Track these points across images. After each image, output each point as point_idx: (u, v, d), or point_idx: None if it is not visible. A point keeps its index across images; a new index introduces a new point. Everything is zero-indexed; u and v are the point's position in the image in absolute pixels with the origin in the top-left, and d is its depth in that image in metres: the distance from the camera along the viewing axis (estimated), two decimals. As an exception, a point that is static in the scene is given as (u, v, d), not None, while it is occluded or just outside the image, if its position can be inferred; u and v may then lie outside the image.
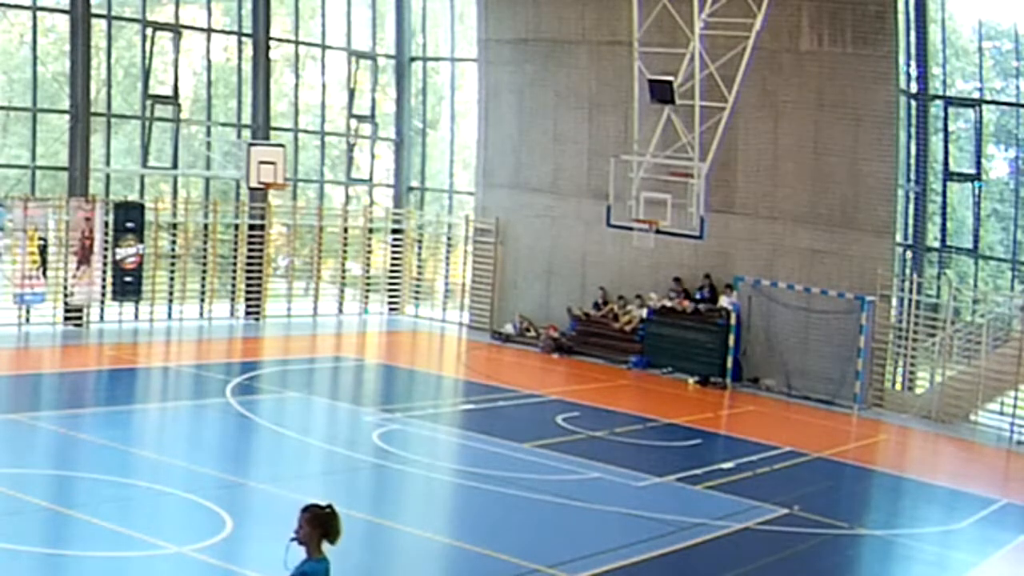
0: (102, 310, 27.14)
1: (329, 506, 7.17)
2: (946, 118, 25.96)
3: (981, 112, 25.71)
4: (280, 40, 30.86)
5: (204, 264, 28.79)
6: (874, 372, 24.94)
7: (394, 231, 32.68)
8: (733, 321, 25.89)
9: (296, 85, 31.50)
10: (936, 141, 26.13)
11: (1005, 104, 26.19)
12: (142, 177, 28.43)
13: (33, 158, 26.48)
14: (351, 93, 32.10)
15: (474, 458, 18.00)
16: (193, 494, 14.57)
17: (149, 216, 27.29)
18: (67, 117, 26.43)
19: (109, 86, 27.57)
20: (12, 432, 17.00)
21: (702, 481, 17.49)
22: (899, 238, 25.65)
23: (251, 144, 27.20)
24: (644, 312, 27.59)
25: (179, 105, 28.37)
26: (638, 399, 24.27)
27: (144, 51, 27.55)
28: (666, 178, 24.12)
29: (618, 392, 24.90)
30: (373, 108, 32.70)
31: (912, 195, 26.11)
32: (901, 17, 24.99)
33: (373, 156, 33.37)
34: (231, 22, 30.21)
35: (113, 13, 27.53)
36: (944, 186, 26.20)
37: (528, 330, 29.71)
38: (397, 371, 26.01)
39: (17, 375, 21.82)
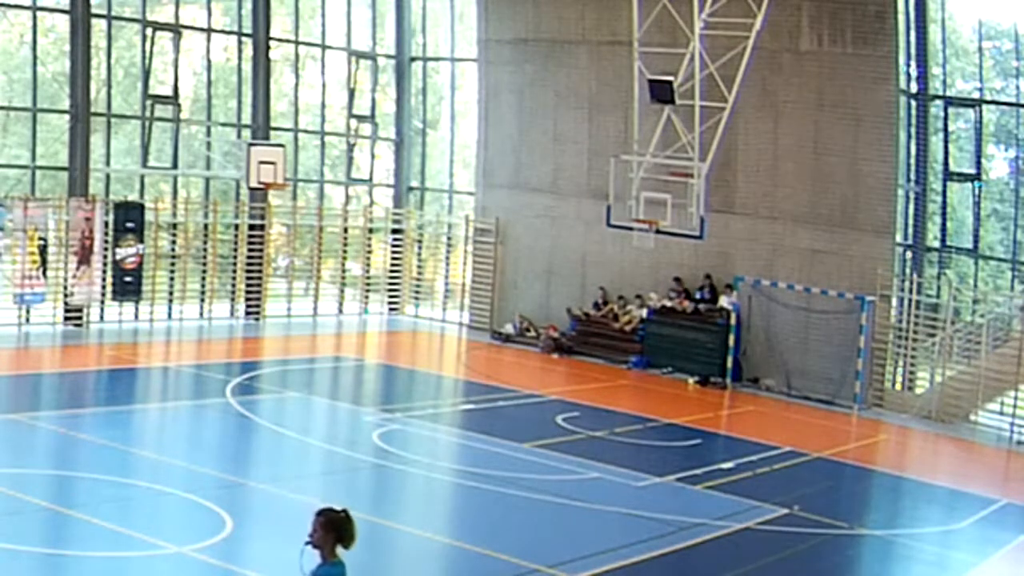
0: (102, 310, 27.15)
1: (344, 510, 7.19)
2: (946, 118, 25.96)
3: (981, 112, 25.71)
4: (280, 40, 30.86)
5: (204, 264, 28.79)
6: (874, 372, 24.94)
7: (394, 231, 32.68)
8: (733, 321, 25.89)
9: (296, 85, 31.50)
10: (936, 141, 26.13)
11: (1005, 104, 26.19)
12: (142, 177, 28.44)
13: (33, 158, 26.48)
14: (351, 93, 32.10)
15: (474, 458, 18.00)
16: (193, 494, 14.57)
17: (149, 216, 27.29)
18: (67, 117, 26.43)
19: (109, 86, 27.57)
20: (12, 432, 17.00)
21: (702, 481, 17.49)
22: (899, 238, 25.64)
23: (251, 144, 27.20)
24: (644, 312, 27.60)
25: (179, 105, 28.37)
26: (638, 399, 24.27)
27: (144, 51, 27.55)
28: (666, 178, 24.12)
29: (618, 392, 24.90)
30: (373, 108, 32.70)
31: (912, 195, 26.11)
32: (901, 17, 24.98)
33: (373, 156, 33.37)
34: (231, 22, 30.22)
35: (113, 13, 27.53)
36: (944, 186, 26.21)
37: (528, 330, 29.71)
38: (397, 371, 26.01)
39: (17, 375, 21.82)
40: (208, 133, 29.55)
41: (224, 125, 29.99)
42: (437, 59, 33.51)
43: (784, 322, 25.81)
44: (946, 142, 26.03)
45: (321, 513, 7.18)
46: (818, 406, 24.68)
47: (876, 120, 24.84)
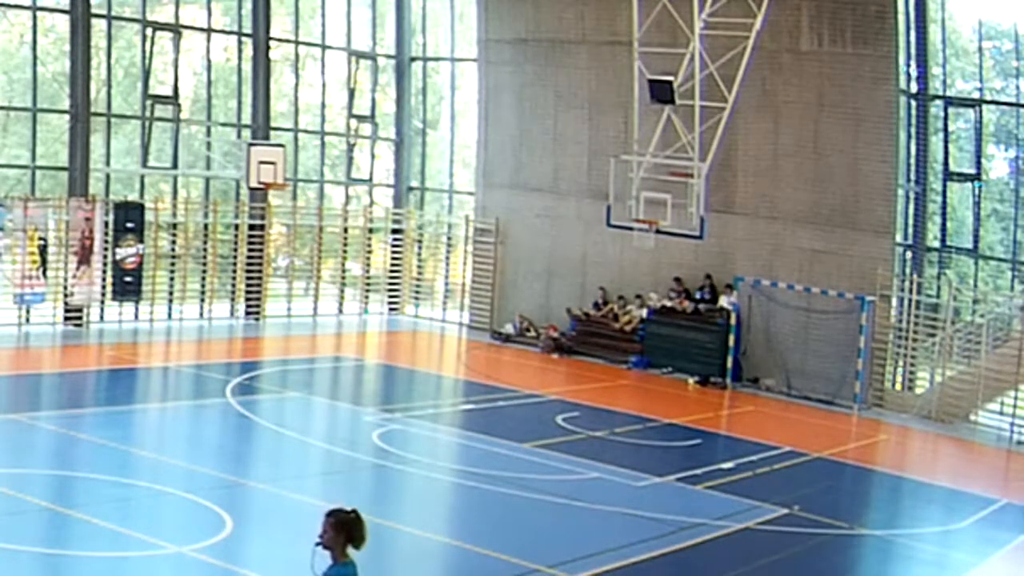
0: (102, 310, 27.15)
1: (354, 511, 7.20)
2: (946, 118, 25.97)
3: (981, 112, 25.71)
4: (280, 40, 30.86)
5: (204, 264, 28.79)
6: (874, 372, 24.94)
7: (394, 231, 32.68)
8: (733, 321, 25.89)
9: (296, 85, 31.50)
10: (936, 141, 26.13)
11: (1005, 104, 26.19)
12: (142, 177, 28.44)
13: (33, 158, 26.48)
14: (351, 93, 32.10)
15: (474, 458, 18.00)
16: (193, 494, 14.57)
17: (149, 216, 27.29)
18: (67, 117, 26.43)
19: (109, 86, 27.57)
20: (12, 432, 16.99)
21: (702, 481, 17.49)
22: (899, 238, 25.65)
23: (251, 144, 27.19)
24: (644, 312, 27.60)
25: (179, 105, 28.37)
26: (638, 399, 24.27)
27: (144, 51, 27.55)
28: (666, 178, 24.13)
29: (618, 392, 24.90)
30: (373, 108, 32.70)
31: (912, 195, 26.12)
32: (901, 17, 24.99)
33: (373, 156, 33.37)
34: (231, 22, 30.22)
35: (113, 13, 27.54)
36: (944, 186, 26.21)
37: (528, 330, 29.71)
38: (397, 371, 26.01)
39: (17, 375, 21.81)
40: (208, 133, 29.55)
41: (224, 125, 29.99)
42: (437, 59, 33.51)
43: (784, 322, 25.81)
44: (946, 142, 26.04)
45: (331, 514, 7.19)
46: (818, 406, 24.68)
47: (876, 120, 24.84)
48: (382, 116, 33.13)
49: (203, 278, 28.94)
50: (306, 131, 31.89)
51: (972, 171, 25.82)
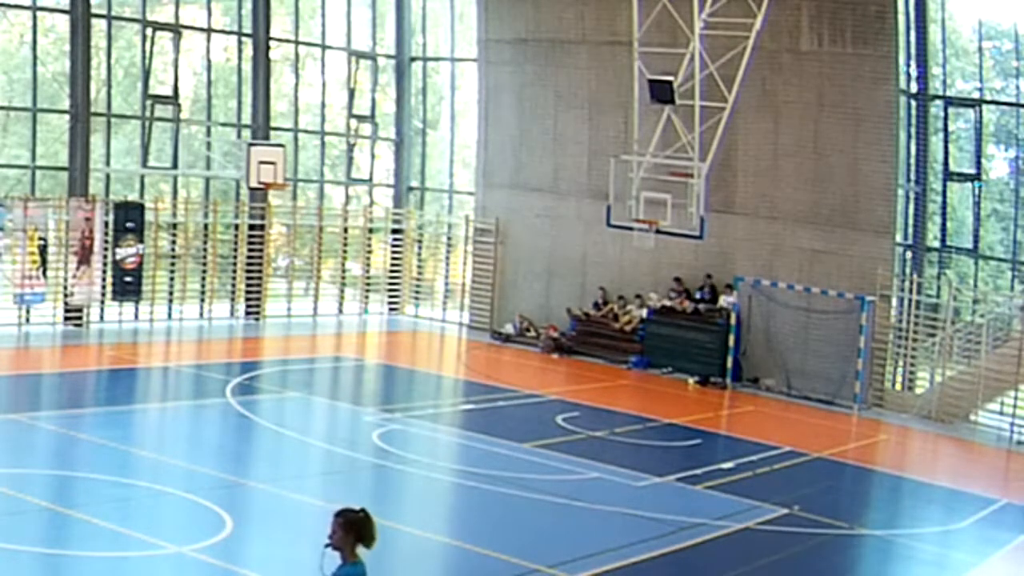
0: (102, 310, 27.15)
1: (363, 510, 7.19)
2: (946, 118, 25.97)
3: (981, 112, 25.71)
4: (280, 40, 30.86)
5: (204, 264, 28.79)
6: (874, 372, 24.94)
7: (394, 231, 32.68)
8: (733, 321, 25.89)
9: (296, 85, 31.50)
10: (936, 141, 26.13)
11: (1005, 104, 26.19)
12: (142, 177, 28.44)
13: (33, 158, 26.48)
14: (351, 93, 32.10)
15: (474, 458, 18.00)
16: (193, 494, 14.57)
17: (149, 216, 27.29)
18: (67, 117, 26.43)
19: (109, 86, 27.57)
20: (12, 432, 16.99)
21: (702, 481, 17.49)
22: (899, 238, 25.65)
23: (251, 144, 27.19)
24: (644, 312, 27.60)
25: (179, 105, 28.37)
26: (638, 399, 24.27)
27: (144, 51, 27.55)
28: (666, 178, 24.13)
29: (618, 392, 24.90)
30: (373, 108, 32.70)
31: (912, 195, 26.12)
32: (901, 17, 24.99)
33: (373, 156, 33.37)
34: (231, 22, 30.22)
35: (113, 13, 27.54)
36: (944, 186, 26.21)
37: (528, 330, 29.71)
38: (397, 371, 26.01)
39: (17, 375, 21.81)
40: (208, 133, 29.55)
41: (224, 125, 29.99)
42: (437, 59, 33.51)
43: (784, 322, 25.81)
44: (946, 142, 26.03)
45: (340, 514, 7.17)
46: (818, 406, 24.68)
47: (876, 120, 24.84)
48: (382, 116, 33.13)
49: (203, 278, 28.93)
50: (306, 131, 31.89)
51: (972, 171, 25.82)
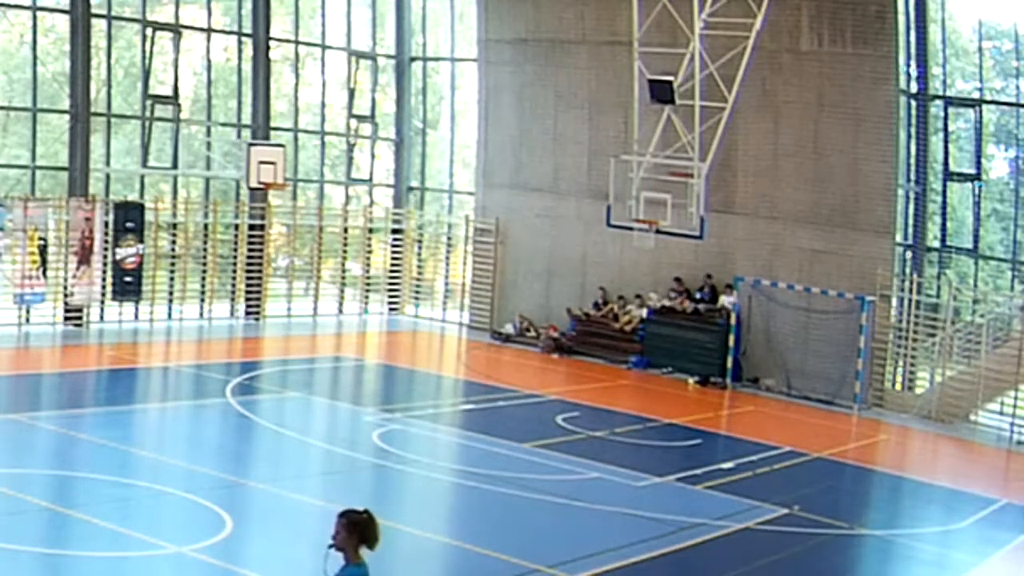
0: (102, 310, 27.15)
1: (366, 511, 7.17)
2: (946, 118, 25.97)
3: (981, 112, 25.71)
4: (280, 40, 30.86)
5: (204, 264, 28.79)
6: (874, 372, 24.94)
7: (394, 231, 32.68)
8: (733, 321, 25.89)
9: (296, 85, 31.50)
10: (936, 141, 26.13)
11: (1005, 104, 26.19)
12: (142, 177, 28.44)
13: (33, 158, 26.48)
14: (351, 93, 32.10)
15: (474, 458, 18.00)
16: (193, 494, 14.57)
17: (149, 216, 27.29)
18: (67, 117, 26.43)
19: (109, 86, 27.57)
20: (12, 432, 16.99)
21: (702, 481, 17.49)
22: (899, 238, 25.65)
23: (251, 144, 27.19)
24: (644, 312, 27.59)
25: (179, 105, 28.37)
26: (638, 399, 24.27)
27: (144, 51, 27.55)
28: (666, 178, 24.13)
29: (618, 392, 24.90)
30: (373, 108, 32.70)
31: (912, 195, 26.12)
32: (901, 17, 24.98)
33: (373, 156, 33.37)
34: (231, 22, 30.22)
35: (113, 13, 27.54)
36: (944, 186, 26.21)
37: (528, 330, 29.71)
38: (397, 371, 26.01)
39: (17, 375, 21.81)
40: (208, 133, 29.55)
41: (224, 125, 29.99)
42: (437, 59, 33.51)
43: (784, 322, 25.81)
44: (946, 142, 26.03)
45: (343, 515, 7.15)
46: (818, 406, 24.68)
47: (876, 120, 24.84)
48: (382, 116, 33.13)
49: (203, 278, 28.93)
50: (306, 131, 31.89)
51: (972, 171, 25.82)
